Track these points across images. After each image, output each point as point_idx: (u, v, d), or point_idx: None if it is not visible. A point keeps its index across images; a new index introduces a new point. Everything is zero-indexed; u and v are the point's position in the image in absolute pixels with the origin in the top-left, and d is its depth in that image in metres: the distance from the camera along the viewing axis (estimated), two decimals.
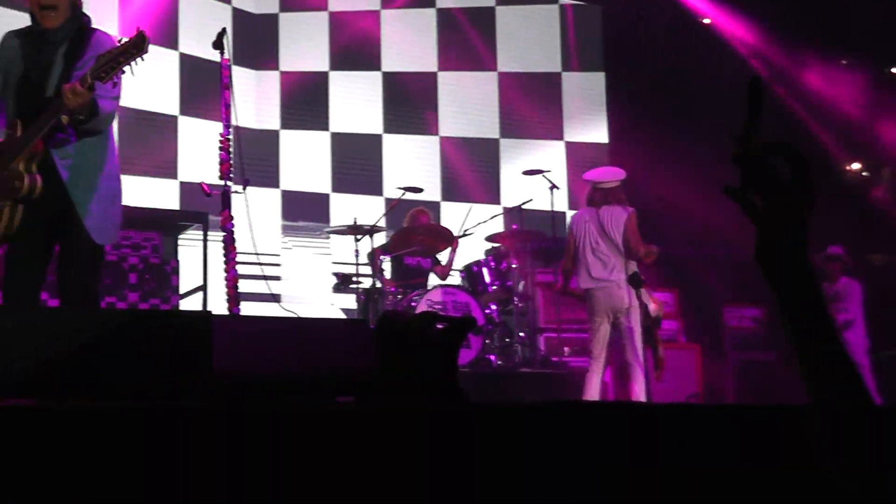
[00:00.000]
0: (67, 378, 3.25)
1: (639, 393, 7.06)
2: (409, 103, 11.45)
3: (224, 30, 5.96)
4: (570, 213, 11.15)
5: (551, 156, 11.61)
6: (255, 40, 10.89)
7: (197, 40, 10.33)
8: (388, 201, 10.82)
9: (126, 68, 4.48)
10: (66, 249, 4.81)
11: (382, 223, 9.65)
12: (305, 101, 11.06)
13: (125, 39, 4.50)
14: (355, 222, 8.97)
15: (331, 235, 10.08)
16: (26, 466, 1.95)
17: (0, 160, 4.68)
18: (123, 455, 2.04)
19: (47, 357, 3.33)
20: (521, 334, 8.97)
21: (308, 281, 10.60)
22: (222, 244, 5.71)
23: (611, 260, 7.37)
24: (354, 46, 11.30)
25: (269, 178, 10.56)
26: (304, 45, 11.18)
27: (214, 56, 6.27)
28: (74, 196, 4.70)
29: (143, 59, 4.56)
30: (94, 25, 4.96)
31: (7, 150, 4.67)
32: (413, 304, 8.47)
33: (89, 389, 3.23)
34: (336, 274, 9.98)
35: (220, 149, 5.78)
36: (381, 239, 9.31)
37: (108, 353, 3.32)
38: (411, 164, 11.30)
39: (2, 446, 1.95)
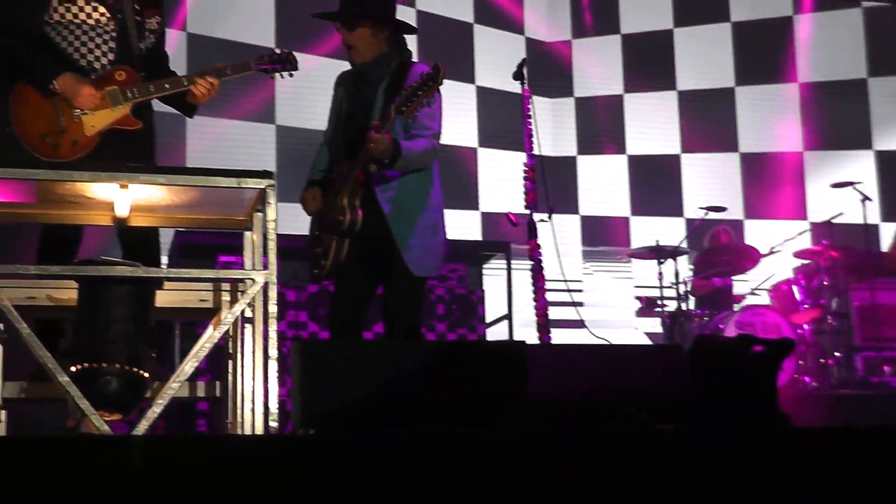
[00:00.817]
0: (392, 409, 3.35)
1: None
2: (705, 121, 11.29)
3: (524, 60, 6.00)
4: (883, 226, 10.96)
5: (861, 166, 11.19)
6: (548, 68, 10.98)
7: (492, 72, 10.56)
8: (690, 222, 10.68)
9: (425, 101, 4.61)
10: (388, 282, 4.91)
11: (685, 245, 9.57)
12: (601, 126, 11.07)
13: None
14: (657, 244, 8.93)
15: (632, 259, 10.01)
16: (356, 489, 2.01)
17: (328, 196, 4.88)
18: (445, 481, 2.07)
19: (373, 389, 3.44)
20: (837, 354, 8.66)
21: (610, 305, 10.58)
22: (530, 273, 5.74)
23: None
24: (648, 67, 11.24)
25: (568, 204, 10.62)
26: (600, 70, 11.19)
27: (511, 87, 6.31)
28: (395, 229, 4.80)
29: (438, 93, 4.70)
30: (414, 59, 5.07)
31: (333, 187, 4.85)
32: (721, 325, 8.37)
33: (413, 419, 3.31)
34: (639, 297, 9.92)
35: (525, 179, 5.80)
36: (683, 261, 9.18)
37: (430, 383, 3.41)
38: (711, 182, 11.11)
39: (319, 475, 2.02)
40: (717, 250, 9.14)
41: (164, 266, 7.26)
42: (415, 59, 5.20)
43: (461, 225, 9.57)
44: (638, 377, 3.65)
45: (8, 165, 3.78)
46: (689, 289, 8.95)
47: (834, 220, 9.12)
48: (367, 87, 4.89)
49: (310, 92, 9.99)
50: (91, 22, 4.70)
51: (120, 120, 4.69)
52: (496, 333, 7.73)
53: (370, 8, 4.97)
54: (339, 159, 4.93)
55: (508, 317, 7.81)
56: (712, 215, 9.42)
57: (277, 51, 5.11)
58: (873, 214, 10.09)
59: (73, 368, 3.70)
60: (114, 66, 4.74)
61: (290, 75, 5.07)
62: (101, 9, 4.73)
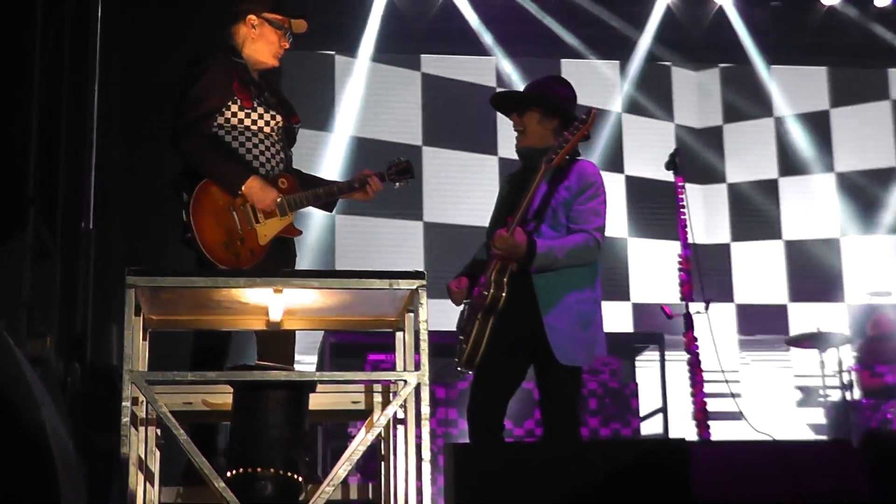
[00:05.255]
0: None
1: None
2: (864, 202, 11.09)
3: (677, 150, 5.99)
4: None
5: None
6: (699, 155, 10.95)
7: (643, 161, 10.57)
8: (852, 308, 10.52)
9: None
10: (540, 374, 4.82)
11: (848, 331, 9.37)
12: (753, 212, 10.96)
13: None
14: (818, 331, 8.76)
15: (791, 347, 9.82)
16: None
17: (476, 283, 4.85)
18: None
19: (526, 491, 3.43)
20: None
21: (769, 396, 10.39)
22: (687, 366, 5.67)
23: None
24: (802, 152, 11.13)
25: (723, 292, 10.51)
26: (749, 154, 11.12)
27: (662, 175, 6.28)
28: (543, 312, 4.69)
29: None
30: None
31: (484, 270, 4.81)
32: (889, 416, 8.12)
33: None
34: (800, 388, 9.72)
35: (680, 269, 5.75)
36: (847, 349, 8.97)
37: (587, 485, 3.38)
38: (879, 264, 10.88)
39: None
40: (882, 338, 8.91)
41: (311, 368, 7.42)
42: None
43: (613, 317, 9.53)
44: (807, 475, 3.57)
45: (170, 274, 3.91)
46: (853, 377, 8.72)
47: None
48: (531, 177, 4.75)
49: (454, 187, 10.17)
50: (268, 129, 4.86)
51: (286, 229, 4.83)
52: (650, 427, 7.63)
53: (542, 92, 5.01)
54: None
55: (664, 410, 7.72)
56: (877, 300, 9.25)
57: (403, 158, 5.22)
58: None
59: (229, 473, 3.78)
60: (277, 173, 4.88)
61: (407, 183, 5.18)
62: (279, 118, 4.91)
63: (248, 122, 4.82)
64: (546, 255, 4.66)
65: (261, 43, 4.97)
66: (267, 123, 4.87)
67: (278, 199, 4.75)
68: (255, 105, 4.86)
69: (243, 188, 4.68)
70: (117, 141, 7.76)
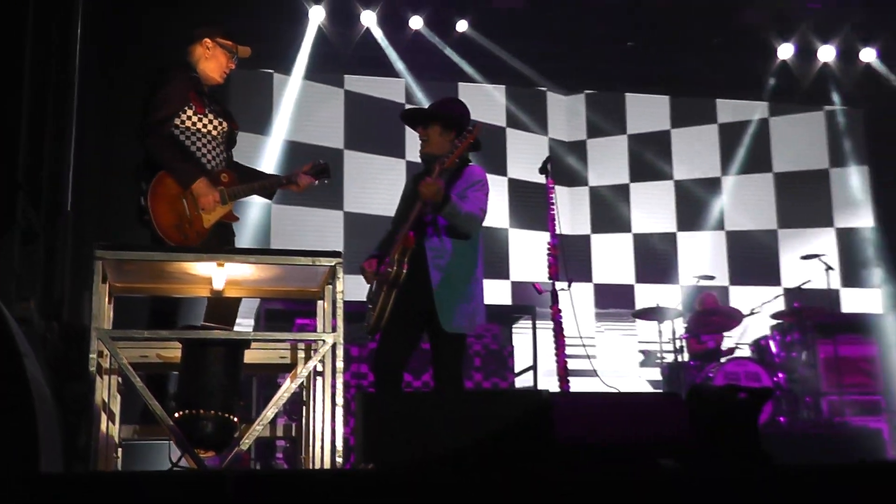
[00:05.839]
0: (438, 448, 3.34)
1: None
2: (697, 205, 11.26)
3: (549, 158, 6.02)
4: (844, 291, 10.86)
5: (824, 241, 11.17)
6: (567, 163, 11.03)
7: (522, 167, 10.63)
8: (684, 288, 10.66)
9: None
10: (432, 338, 4.85)
11: (680, 307, 9.52)
12: (609, 210, 11.07)
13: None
14: (657, 306, 8.90)
15: (636, 319, 9.95)
16: None
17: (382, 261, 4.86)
18: None
19: (421, 432, 3.44)
20: (807, 398, 8.57)
21: (619, 359, 10.50)
22: (553, 332, 5.73)
23: None
24: (646, 163, 11.26)
25: (583, 274, 10.60)
26: (607, 164, 11.22)
27: (536, 178, 6.28)
28: (438, 295, 4.74)
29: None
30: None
31: (389, 250, 4.84)
32: (711, 375, 8.26)
33: (455, 459, 3.30)
34: (642, 351, 9.85)
35: (549, 255, 5.80)
36: (679, 321, 9.12)
37: (469, 427, 3.40)
38: (704, 255, 11.06)
39: None
40: (707, 312, 9.08)
41: (249, 329, 7.36)
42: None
43: (495, 292, 9.56)
44: (644, 421, 3.61)
45: (131, 249, 3.86)
46: (683, 344, 8.89)
47: (803, 286, 9.16)
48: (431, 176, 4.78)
49: (372, 185, 10.13)
50: (215, 133, 4.82)
51: (226, 215, 4.79)
52: (523, 381, 7.69)
53: (442, 110, 5.05)
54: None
55: (534, 368, 7.77)
56: (703, 282, 9.41)
57: (322, 161, 5.19)
58: (835, 281, 10.01)
59: (177, 415, 3.74)
60: (220, 169, 4.84)
61: (325, 181, 5.16)
62: (224, 123, 4.86)
63: (199, 125, 4.77)
64: (454, 205, 4.71)
65: (212, 62, 4.92)
66: (215, 128, 4.83)
67: (218, 198, 4.72)
68: (206, 112, 4.82)
69: (193, 186, 4.64)
70: (93, 134, 7.61)
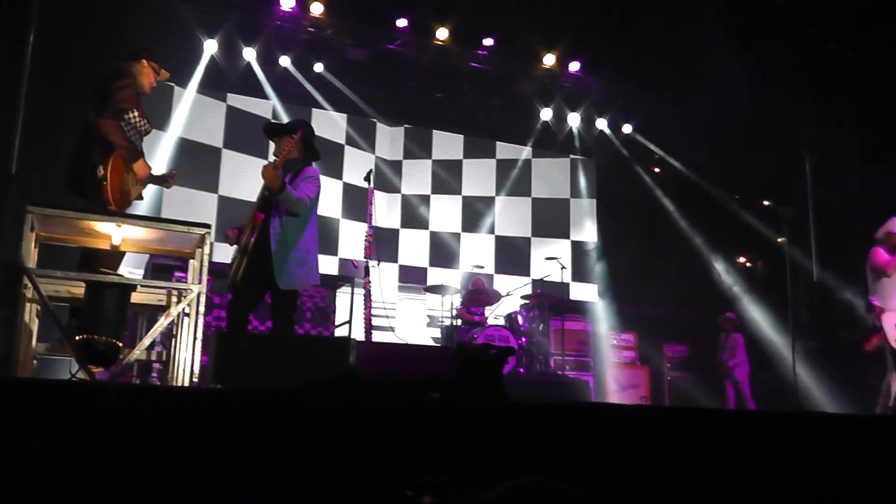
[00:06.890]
0: (271, 375, 3.38)
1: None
2: (478, 215, 11.47)
3: (371, 170, 6.05)
4: (572, 284, 11.28)
5: (562, 248, 11.57)
6: (386, 175, 11.08)
7: (353, 175, 10.63)
8: (462, 273, 10.81)
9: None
10: (272, 294, 4.76)
11: (458, 286, 9.70)
12: (413, 212, 11.18)
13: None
14: (442, 285, 8.99)
15: (426, 293, 10.11)
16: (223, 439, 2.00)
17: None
18: (294, 429, 2.08)
19: (261, 363, 3.47)
20: (540, 357, 8.87)
21: (411, 320, 10.60)
22: (364, 297, 5.78)
23: None
24: (443, 181, 11.40)
25: (390, 256, 10.69)
26: (415, 179, 11.33)
27: (362, 184, 6.30)
28: (275, 261, 4.67)
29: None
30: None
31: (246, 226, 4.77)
32: (474, 336, 8.34)
33: (283, 382, 3.32)
34: (429, 316, 9.91)
35: (365, 240, 5.85)
36: (457, 297, 9.32)
37: (296, 362, 3.44)
38: (479, 251, 11.33)
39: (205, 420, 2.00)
40: (476, 291, 9.25)
41: (139, 277, 7.10)
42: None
43: (326, 265, 9.53)
44: (424, 365, 3.65)
45: (52, 207, 3.72)
46: (458, 313, 8.97)
47: (545, 279, 9.34)
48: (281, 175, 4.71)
49: (241, 176, 9.91)
50: (143, 131, 4.65)
51: (139, 193, 4.64)
52: (341, 331, 7.70)
53: (287, 127, 4.98)
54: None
55: (349, 322, 7.79)
56: (476, 270, 9.61)
57: (173, 171, 5.00)
58: (567, 276, 10.38)
59: (77, 338, 3.65)
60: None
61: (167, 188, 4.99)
62: (149, 125, 4.71)
63: (138, 124, 4.59)
64: (287, 192, 4.62)
65: (145, 78, 4.74)
66: (143, 126, 4.68)
67: (150, 172, 4.58)
68: (143, 114, 4.66)
69: (135, 165, 4.47)
70: (35, 112, 7.10)
